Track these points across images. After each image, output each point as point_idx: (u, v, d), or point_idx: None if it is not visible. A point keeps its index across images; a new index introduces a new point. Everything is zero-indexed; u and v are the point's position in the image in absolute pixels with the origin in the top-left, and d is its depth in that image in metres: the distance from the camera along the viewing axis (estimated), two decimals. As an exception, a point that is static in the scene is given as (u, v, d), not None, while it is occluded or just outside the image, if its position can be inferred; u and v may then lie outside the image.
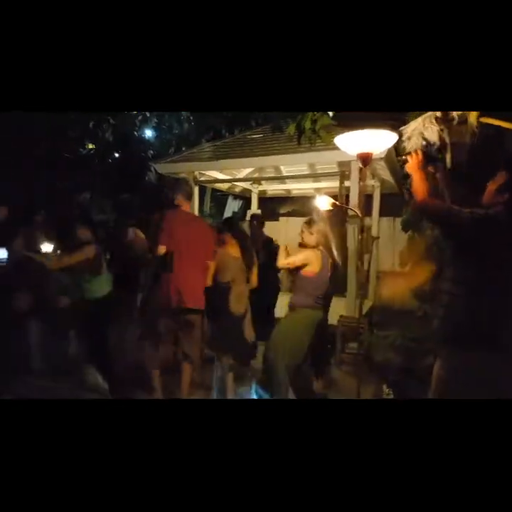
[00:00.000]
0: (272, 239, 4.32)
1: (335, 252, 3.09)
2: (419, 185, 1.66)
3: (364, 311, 4.75)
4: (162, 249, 2.73)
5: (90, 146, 8.53)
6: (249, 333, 3.04)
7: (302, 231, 2.93)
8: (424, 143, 1.84)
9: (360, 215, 2.20)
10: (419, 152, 1.71)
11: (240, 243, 3.03)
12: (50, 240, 3.95)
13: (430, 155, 1.74)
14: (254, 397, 2.86)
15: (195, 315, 2.90)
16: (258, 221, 4.27)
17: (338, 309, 4.10)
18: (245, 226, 4.24)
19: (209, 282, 2.96)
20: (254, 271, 3.11)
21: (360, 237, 2.55)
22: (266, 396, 2.82)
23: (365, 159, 2.07)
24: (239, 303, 2.96)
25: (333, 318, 3.81)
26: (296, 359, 2.83)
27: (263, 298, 3.96)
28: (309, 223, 2.87)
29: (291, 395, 2.96)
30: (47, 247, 3.98)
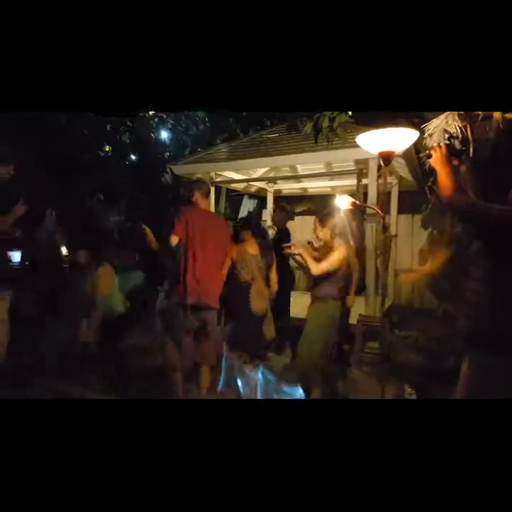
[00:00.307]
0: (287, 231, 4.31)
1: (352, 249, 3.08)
2: (444, 179, 1.62)
3: (383, 310, 4.72)
4: (175, 240, 2.72)
5: (107, 148, 8.64)
6: (269, 331, 3.02)
7: (315, 227, 2.91)
8: (447, 137, 1.80)
9: (381, 214, 2.18)
10: (443, 145, 1.68)
11: (258, 241, 3.03)
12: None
13: (454, 148, 1.70)
14: (260, 376, 2.84)
15: (211, 313, 2.89)
16: (281, 210, 4.26)
17: (358, 308, 4.06)
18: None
19: (224, 278, 2.96)
20: (274, 270, 3.10)
21: (382, 235, 2.51)
22: (271, 378, 2.81)
23: (387, 158, 2.05)
24: (260, 301, 2.93)
25: (352, 318, 3.79)
26: (325, 350, 2.80)
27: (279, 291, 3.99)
28: (321, 219, 2.84)
29: (315, 384, 2.94)
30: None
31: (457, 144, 1.71)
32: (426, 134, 2.29)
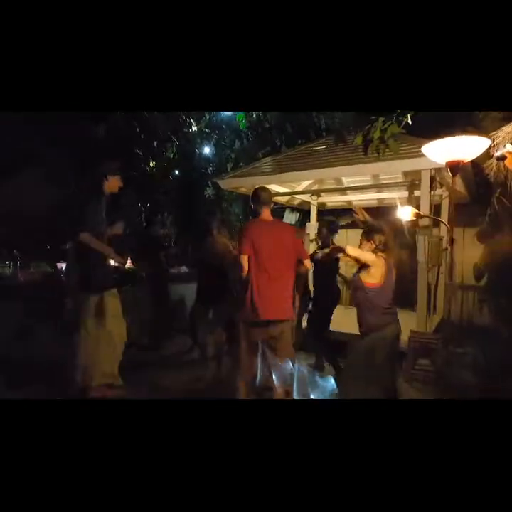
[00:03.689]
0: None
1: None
2: None
3: (434, 326, 4.53)
4: (244, 259, 2.66)
5: (152, 164, 8.94)
6: None
7: (360, 242, 2.82)
8: None
9: (448, 226, 2.11)
10: None
11: None
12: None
13: None
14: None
15: (282, 325, 2.75)
16: (328, 228, 4.22)
17: (409, 324, 3.92)
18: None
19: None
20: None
21: (438, 248, 2.43)
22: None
23: (455, 167, 1.99)
24: None
25: (403, 334, 3.65)
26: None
27: (320, 306, 3.98)
28: (367, 234, 2.70)
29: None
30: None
31: None
32: (494, 143, 2.21)
